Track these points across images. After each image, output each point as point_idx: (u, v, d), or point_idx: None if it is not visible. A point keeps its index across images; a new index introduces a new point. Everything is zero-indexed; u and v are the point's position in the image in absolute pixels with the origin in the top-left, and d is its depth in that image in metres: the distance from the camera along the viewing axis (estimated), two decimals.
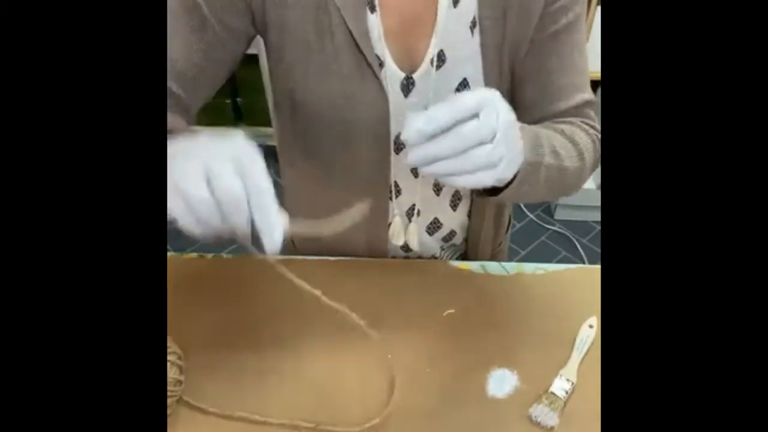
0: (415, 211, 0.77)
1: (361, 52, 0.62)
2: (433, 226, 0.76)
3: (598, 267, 0.81)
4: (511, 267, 0.80)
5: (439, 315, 0.74)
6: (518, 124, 0.52)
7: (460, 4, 0.63)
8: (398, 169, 0.72)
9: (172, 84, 0.62)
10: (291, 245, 0.88)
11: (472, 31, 0.64)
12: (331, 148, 0.71)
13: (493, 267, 0.80)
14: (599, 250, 1.90)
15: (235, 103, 2.17)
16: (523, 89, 0.70)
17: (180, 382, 0.63)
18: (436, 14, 0.63)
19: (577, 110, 0.70)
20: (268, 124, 2.07)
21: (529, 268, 0.80)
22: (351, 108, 0.65)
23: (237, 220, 0.41)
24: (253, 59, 1.83)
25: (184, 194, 0.40)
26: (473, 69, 0.66)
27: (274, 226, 0.42)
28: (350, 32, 0.62)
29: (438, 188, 0.75)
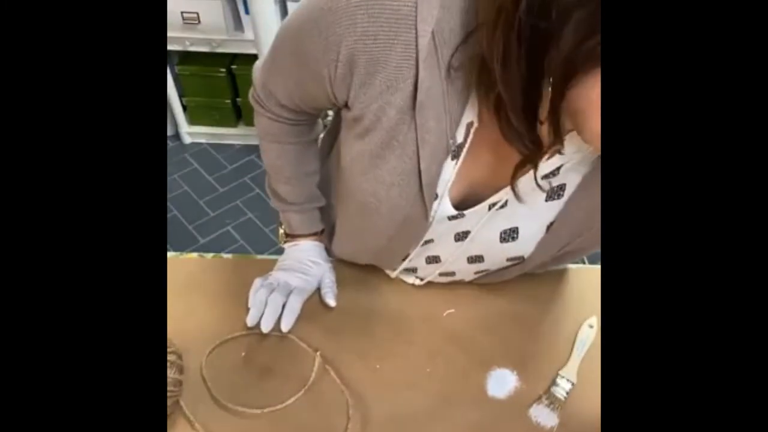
0: (437, 260, 0.71)
1: (420, 187, 0.56)
2: (447, 274, 0.73)
3: (598, 267, 0.81)
4: None
5: (439, 315, 0.74)
6: None
7: (550, 177, 0.57)
8: (439, 229, 0.63)
9: (288, 113, 0.67)
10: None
11: (549, 197, 0.59)
12: (359, 214, 0.65)
13: None
14: (599, 250, 1.89)
15: (235, 103, 2.17)
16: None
17: (180, 382, 0.63)
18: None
19: None
20: None
21: None
22: (389, 211, 0.60)
23: (269, 318, 0.70)
24: (254, 59, 1.83)
25: (256, 293, 0.72)
26: (533, 225, 0.62)
27: (289, 323, 0.71)
28: (418, 172, 0.55)
29: (472, 260, 0.69)
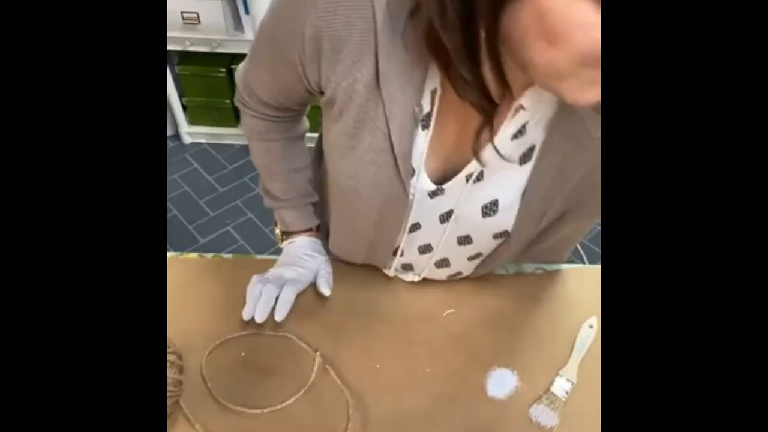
0: (429, 249, 0.71)
1: (396, 163, 0.58)
2: (443, 264, 0.73)
3: (598, 267, 0.81)
4: (511, 267, 0.80)
5: (439, 315, 0.74)
6: None
7: (518, 137, 0.57)
8: (423, 211, 0.64)
9: (271, 111, 0.70)
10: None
11: (522, 161, 0.59)
12: (344, 200, 0.67)
13: None
14: (599, 250, 1.90)
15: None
16: (568, 222, 0.66)
17: (180, 383, 0.63)
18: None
19: None
20: None
21: (529, 268, 0.80)
22: (369, 192, 0.61)
23: (262, 308, 0.71)
24: None
25: (251, 288, 0.73)
26: (509, 195, 0.61)
27: (282, 313, 0.71)
28: (391, 146, 0.56)
29: (461, 242, 0.69)
